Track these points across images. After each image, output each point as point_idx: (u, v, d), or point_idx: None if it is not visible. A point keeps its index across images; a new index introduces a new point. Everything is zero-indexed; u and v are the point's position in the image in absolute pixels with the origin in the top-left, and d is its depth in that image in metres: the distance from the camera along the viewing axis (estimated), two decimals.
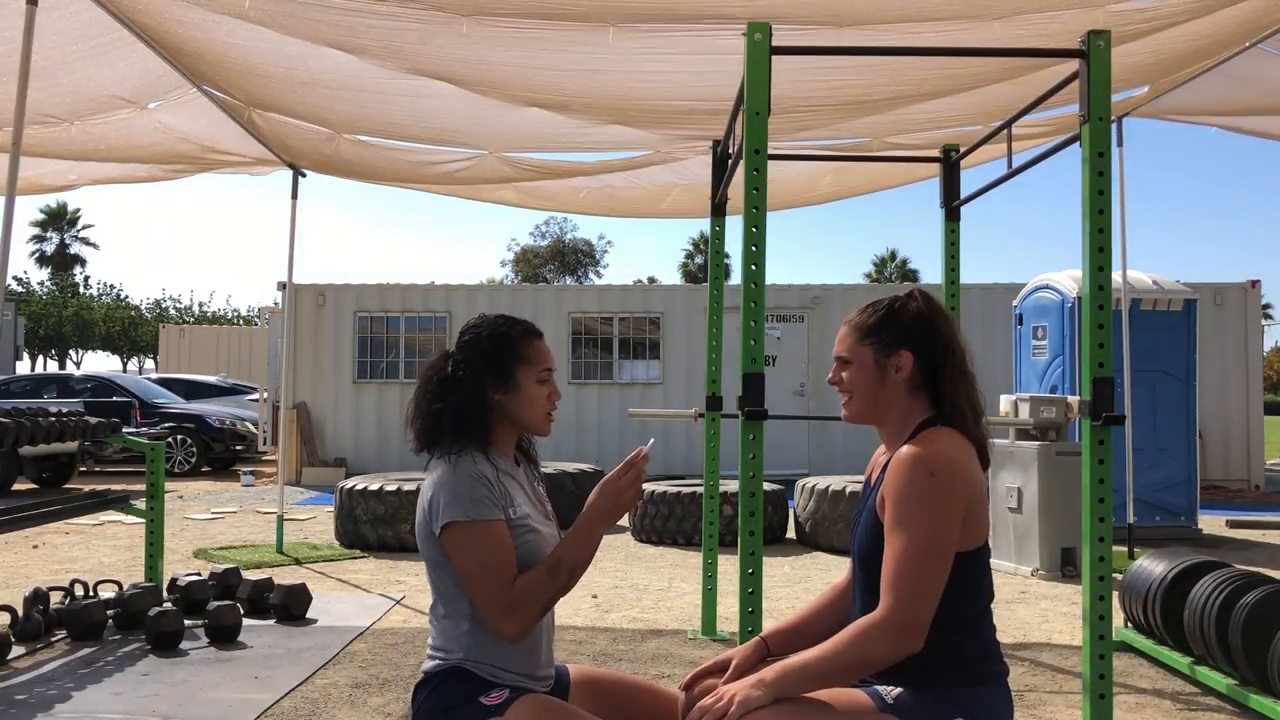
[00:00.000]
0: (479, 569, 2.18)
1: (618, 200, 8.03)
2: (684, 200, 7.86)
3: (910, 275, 59.71)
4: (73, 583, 5.60)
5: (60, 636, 5.13)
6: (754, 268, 3.42)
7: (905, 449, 2.09)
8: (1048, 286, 9.19)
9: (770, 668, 2.07)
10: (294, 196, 8.11)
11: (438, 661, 2.27)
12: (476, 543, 2.18)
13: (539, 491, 2.46)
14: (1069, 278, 8.89)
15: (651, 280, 52.63)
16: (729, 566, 5.84)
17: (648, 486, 8.85)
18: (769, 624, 2.45)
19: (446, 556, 2.22)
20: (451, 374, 2.34)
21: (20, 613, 5.11)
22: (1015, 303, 9.79)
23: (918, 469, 2.04)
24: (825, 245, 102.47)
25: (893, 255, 62.28)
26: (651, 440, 2.46)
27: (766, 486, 7.43)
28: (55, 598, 5.40)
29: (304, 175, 7.96)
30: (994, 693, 2.11)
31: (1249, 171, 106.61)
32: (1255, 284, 14.15)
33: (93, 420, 5.95)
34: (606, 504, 2.27)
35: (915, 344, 2.20)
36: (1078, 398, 3.52)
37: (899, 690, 2.07)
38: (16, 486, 12.27)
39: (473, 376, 2.32)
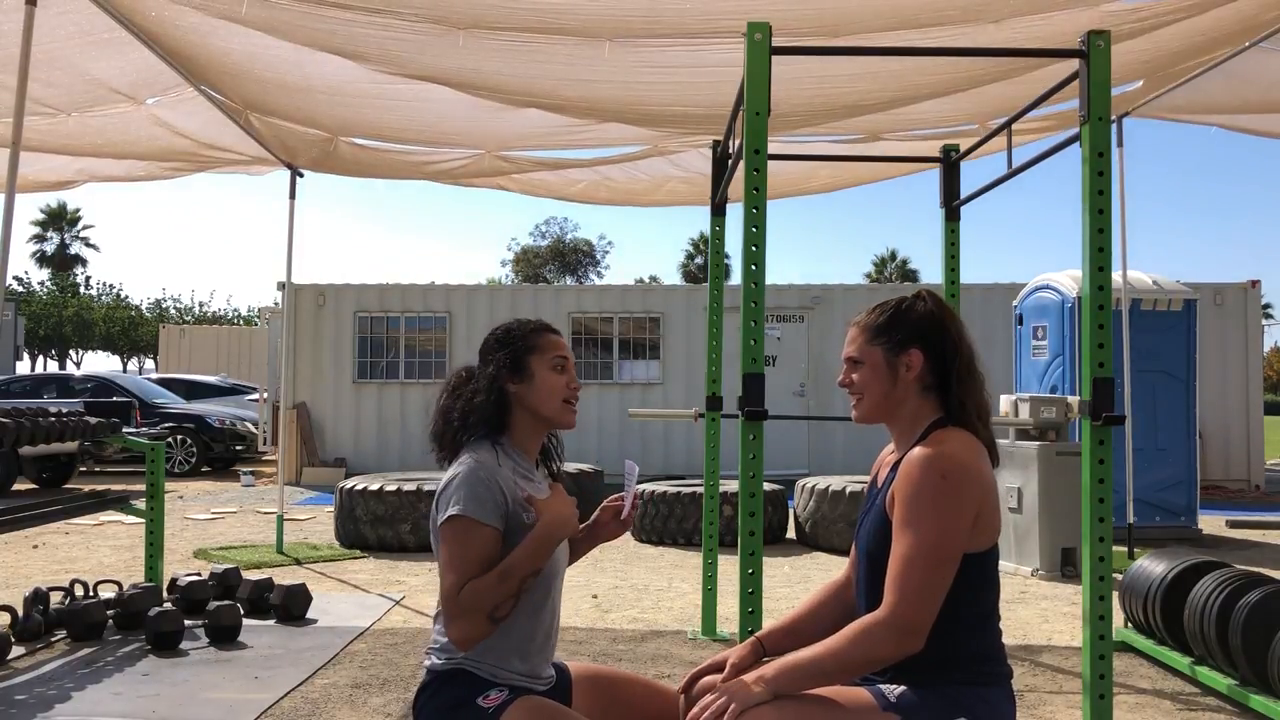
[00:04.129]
0: (449, 564, 2.14)
1: (616, 190, 8.04)
2: (681, 189, 7.86)
3: (910, 275, 59.70)
4: (73, 583, 5.59)
5: (60, 636, 5.12)
6: (754, 268, 3.42)
7: (918, 450, 2.08)
8: (1048, 286, 9.19)
9: (771, 665, 2.06)
10: (292, 196, 8.12)
11: (440, 660, 2.27)
12: (460, 538, 2.15)
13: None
14: (1069, 278, 8.89)
15: (651, 280, 52.58)
16: (729, 566, 5.84)
17: (648, 487, 8.86)
18: (767, 624, 2.45)
19: None
20: (467, 377, 2.40)
21: (20, 613, 5.11)
22: (1015, 303, 9.79)
23: (930, 470, 2.03)
24: (825, 245, 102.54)
25: (893, 255, 62.28)
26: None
27: (766, 486, 7.43)
28: (55, 598, 5.40)
29: (301, 175, 7.97)
30: (997, 694, 2.11)
31: (1249, 171, 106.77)
32: (1255, 284, 14.14)
33: (93, 420, 5.95)
34: (557, 521, 2.20)
35: (925, 343, 2.20)
36: (1078, 398, 3.51)
37: (901, 689, 2.06)
38: (16, 486, 12.26)
39: (485, 372, 2.36)
